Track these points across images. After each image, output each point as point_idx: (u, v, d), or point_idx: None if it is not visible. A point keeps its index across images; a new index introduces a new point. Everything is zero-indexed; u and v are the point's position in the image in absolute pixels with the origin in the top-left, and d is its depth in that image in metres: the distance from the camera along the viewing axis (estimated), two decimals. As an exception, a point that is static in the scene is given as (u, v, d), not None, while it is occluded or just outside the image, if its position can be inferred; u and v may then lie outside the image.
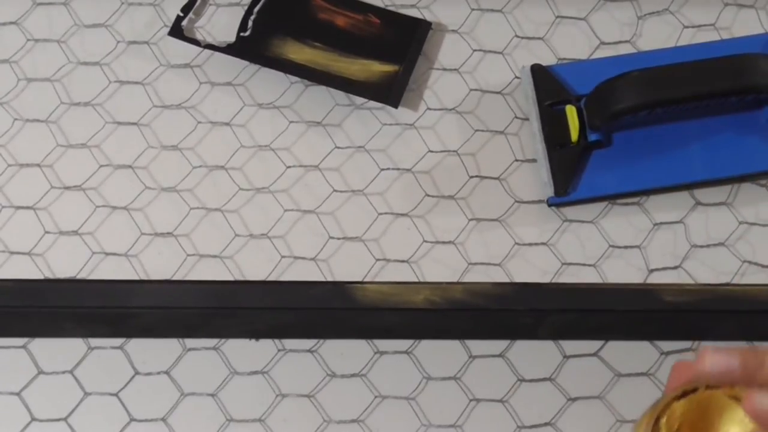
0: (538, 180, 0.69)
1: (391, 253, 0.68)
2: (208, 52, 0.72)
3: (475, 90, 0.72)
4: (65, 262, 0.67)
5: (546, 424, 0.64)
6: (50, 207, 0.69)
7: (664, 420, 0.45)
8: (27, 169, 0.70)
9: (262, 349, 0.66)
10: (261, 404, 0.65)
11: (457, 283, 0.65)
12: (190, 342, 0.65)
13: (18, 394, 0.65)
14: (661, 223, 0.69)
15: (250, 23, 0.72)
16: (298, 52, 0.72)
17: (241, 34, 0.72)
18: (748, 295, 0.61)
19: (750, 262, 0.68)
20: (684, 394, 0.45)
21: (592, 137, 0.68)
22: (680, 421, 0.45)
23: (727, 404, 0.45)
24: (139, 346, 0.65)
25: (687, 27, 0.74)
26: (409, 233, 0.68)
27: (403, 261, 0.67)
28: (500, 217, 0.69)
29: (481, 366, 0.66)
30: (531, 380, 0.65)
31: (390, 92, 0.70)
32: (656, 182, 0.69)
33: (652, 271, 0.67)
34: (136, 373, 0.65)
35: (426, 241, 0.68)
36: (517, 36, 0.73)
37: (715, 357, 0.45)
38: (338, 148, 0.70)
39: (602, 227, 0.69)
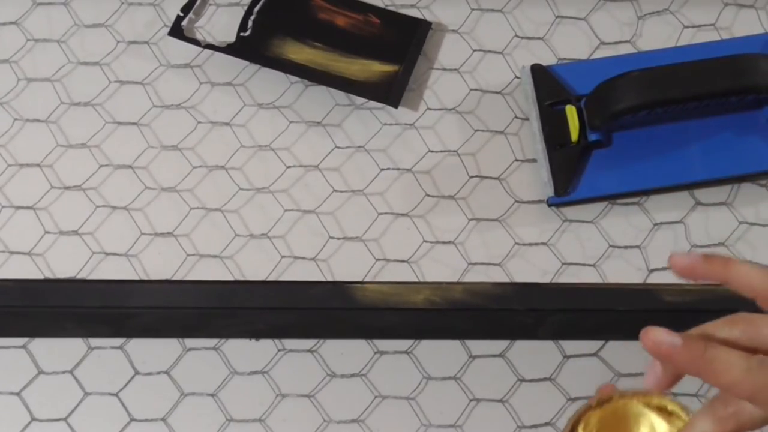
0: (538, 180, 0.69)
1: (391, 253, 0.68)
2: (208, 52, 0.72)
3: (475, 90, 0.72)
4: (65, 262, 0.67)
5: (546, 424, 0.64)
6: (50, 207, 0.69)
7: (581, 428, 0.47)
8: (27, 169, 0.70)
9: (262, 349, 0.66)
10: (261, 404, 0.65)
11: (457, 283, 0.65)
12: (190, 342, 0.65)
13: (18, 394, 0.65)
14: (661, 223, 0.69)
15: (250, 23, 0.72)
16: (298, 52, 0.72)
17: (241, 34, 0.72)
18: (748, 295, 0.61)
19: (750, 262, 0.67)
20: (600, 404, 0.48)
21: (592, 137, 0.68)
22: (597, 429, 0.47)
23: (640, 411, 0.48)
24: (139, 346, 0.65)
25: (687, 27, 0.74)
26: (409, 233, 0.68)
27: (403, 261, 0.67)
28: (500, 217, 0.69)
29: (481, 366, 0.66)
30: (531, 380, 0.65)
31: (390, 92, 0.70)
32: (656, 182, 0.69)
33: (652, 271, 0.67)
34: (136, 373, 0.65)
35: (426, 241, 0.68)
36: (517, 36, 0.73)
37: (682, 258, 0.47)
38: (338, 148, 0.70)
39: (602, 227, 0.69)
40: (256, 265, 0.67)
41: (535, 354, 0.66)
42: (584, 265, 0.68)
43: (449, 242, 0.68)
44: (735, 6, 0.74)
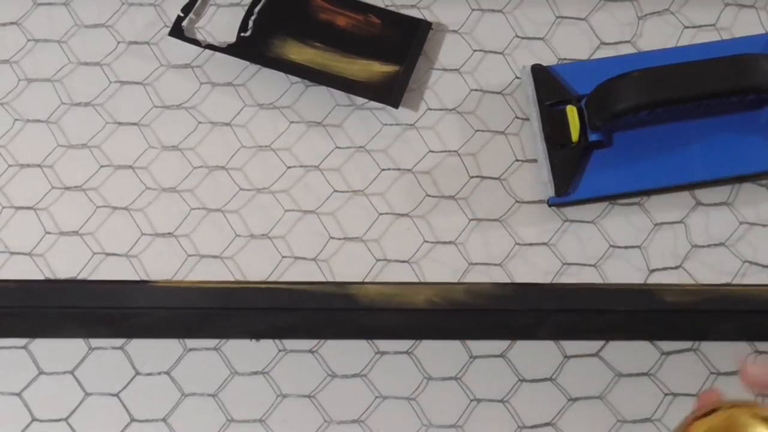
0: (538, 180, 0.69)
1: (391, 254, 0.68)
2: (208, 52, 0.72)
3: (476, 90, 0.72)
4: (66, 263, 0.67)
5: (547, 424, 0.64)
6: (51, 207, 0.69)
7: None
8: (28, 170, 0.70)
9: (263, 349, 0.66)
10: (261, 405, 0.65)
11: (458, 283, 0.65)
12: (191, 342, 0.65)
13: (19, 394, 0.65)
14: (662, 223, 0.69)
15: (250, 23, 0.72)
16: (299, 52, 0.72)
17: (242, 34, 0.72)
18: (748, 295, 0.61)
19: (751, 262, 0.67)
20: (705, 414, 0.46)
21: (593, 137, 0.68)
22: None
23: (748, 423, 0.46)
24: (139, 346, 0.65)
25: (687, 27, 0.74)
26: (410, 233, 0.68)
27: (403, 261, 0.67)
28: (501, 217, 0.69)
29: (482, 366, 0.66)
30: (532, 380, 0.65)
31: (390, 92, 0.70)
32: (657, 182, 0.69)
33: (652, 271, 0.67)
34: (137, 373, 0.65)
35: (426, 242, 0.68)
36: (517, 36, 0.73)
37: (757, 369, 0.50)
38: (339, 148, 0.70)
39: (603, 227, 0.69)
40: (257, 265, 0.67)
41: (535, 354, 0.66)
42: (585, 265, 0.68)
43: (450, 242, 0.68)
44: (735, 6, 0.74)
